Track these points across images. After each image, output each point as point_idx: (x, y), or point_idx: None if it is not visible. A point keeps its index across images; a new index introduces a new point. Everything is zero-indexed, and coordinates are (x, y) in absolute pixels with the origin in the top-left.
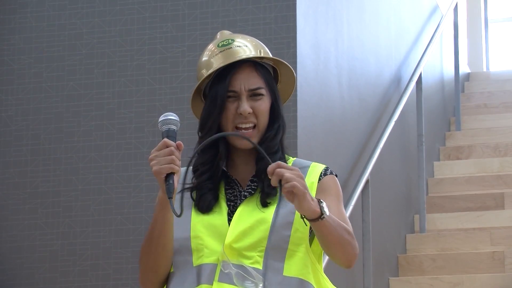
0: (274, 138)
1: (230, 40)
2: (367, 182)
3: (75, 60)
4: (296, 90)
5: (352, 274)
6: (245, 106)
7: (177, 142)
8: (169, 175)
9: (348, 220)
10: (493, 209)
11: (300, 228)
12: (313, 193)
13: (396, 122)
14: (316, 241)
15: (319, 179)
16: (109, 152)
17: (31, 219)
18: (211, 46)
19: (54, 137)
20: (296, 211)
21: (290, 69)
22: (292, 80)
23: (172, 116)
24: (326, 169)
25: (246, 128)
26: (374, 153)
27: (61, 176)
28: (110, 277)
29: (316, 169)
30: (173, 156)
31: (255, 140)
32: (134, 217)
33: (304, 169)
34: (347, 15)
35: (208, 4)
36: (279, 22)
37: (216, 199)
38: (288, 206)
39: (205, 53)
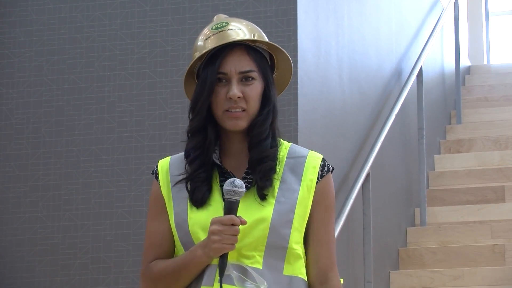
0: (263, 124)
1: (224, 23)
2: (367, 175)
3: (76, 54)
4: (296, 84)
5: (353, 267)
6: (235, 90)
7: (241, 218)
8: (225, 253)
9: (334, 244)
10: (493, 202)
11: (299, 226)
12: (311, 191)
13: (396, 115)
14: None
15: (318, 179)
16: (110, 146)
17: (32, 212)
18: (205, 30)
19: (55, 131)
20: (296, 209)
21: (287, 55)
22: (290, 67)
23: (241, 189)
24: (323, 165)
25: (235, 111)
26: (374, 146)
27: (62, 169)
28: (111, 270)
29: (313, 162)
30: (237, 237)
31: (244, 124)
32: (135, 210)
33: (301, 159)
34: (347, 9)
35: None
36: (279, 16)
37: (210, 191)
38: (287, 203)
39: (200, 36)
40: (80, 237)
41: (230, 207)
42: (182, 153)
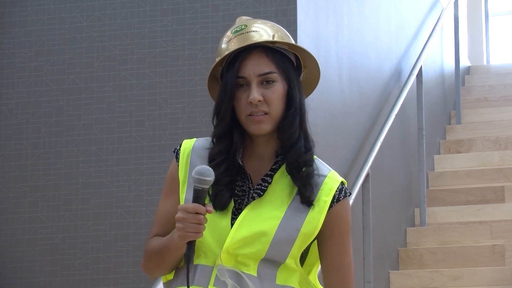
0: (291, 125)
1: (243, 26)
2: (367, 175)
3: (76, 54)
4: None
5: None
6: (255, 94)
7: (207, 207)
8: (191, 241)
9: (350, 270)
10: (493, 203)
11: (301, 244)
12: (322, 212)
13: (396, 115)
14: (310, 253)
15: (332, 203)
16: (110, 146)
17: (32, 212)
18: (228, 33)
19: (55, 131)
20: (302, 228)
21: (311, 55)
22: (317, 67)
23: (210, 178)
24: (341, 190)
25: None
26: (374, 146)
27: (62, 169)
28: (110, 270)
29: (330, 183)
30: (202, 226)
31: (267, 127)
32: (134, 211)
33: (319, 178)
34: (347, 9)
35: None
36: (279, 16)
37: (231, 197)
38: (295, 220)
39: (223, 39)
40: (80, 237)
41: (197, 196)
42: (207, 138)
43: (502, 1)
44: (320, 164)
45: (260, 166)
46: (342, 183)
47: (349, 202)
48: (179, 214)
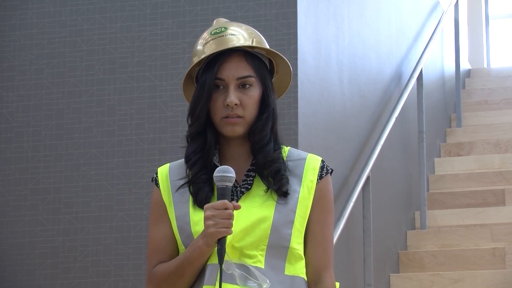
0: (263, 129)
1: (223, 28)
2: (367, 178)
3: (76, 57)
4: (297, 87)
5: (353, 271)
6: (232, 97)
7: (233, 203)
8: (222, 238)
9: (330, 244)
10: (493, 206)
11: (300, 227)
12: (311, 192)
13: (397, 118)
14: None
15: (317, 181)
16: (110, 149)
17: (32, 215)
18: (205, 34)
19: (55, 134)
20: (297, 209)
21: (285, 60)
22: (289, 71)
23: (231, 174)
24: (323, 167)
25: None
26: (375, 149)
27: (62, 172)
28: (111, 274)
29: (312, 163)
30: (232, 221)
31: (241, 130)
32: (135, 214)
33: (300, 161)
34: (348, 12)
35: (209, 1)
36: (280, 19)
37: (212, 191)
38: (288, 203)
39: (199, 41)
40: (80, 240)
41: (222, 193)
42: (181, 160)
43: (503, 4)
44: (295, 151)
45: (238, 167)
46: (322, 161)
47: (330, 179)
48: (208, 212)
